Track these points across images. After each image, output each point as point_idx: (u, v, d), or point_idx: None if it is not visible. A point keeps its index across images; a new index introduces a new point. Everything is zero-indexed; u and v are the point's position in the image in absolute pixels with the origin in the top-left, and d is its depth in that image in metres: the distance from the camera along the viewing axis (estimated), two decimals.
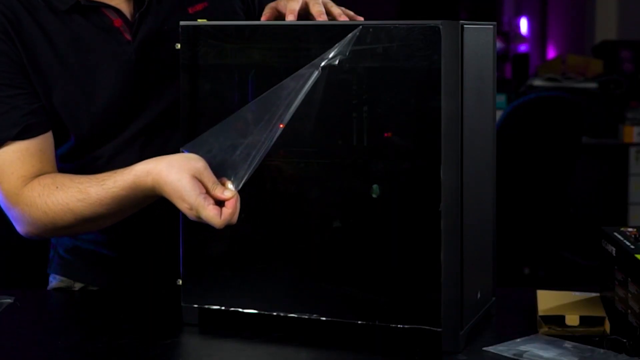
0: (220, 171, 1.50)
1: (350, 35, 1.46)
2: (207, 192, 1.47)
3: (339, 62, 1.48)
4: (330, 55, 1.47)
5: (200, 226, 1.52)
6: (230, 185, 1.49)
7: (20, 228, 1.68)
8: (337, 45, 1.47)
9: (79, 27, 1.71)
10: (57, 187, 1.62)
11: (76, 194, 1.60)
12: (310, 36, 1.50)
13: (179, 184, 1.48)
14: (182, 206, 1.48)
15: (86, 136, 1.74)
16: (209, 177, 1.48)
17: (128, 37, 1.73)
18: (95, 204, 1.59)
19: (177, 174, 1.48)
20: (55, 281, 1.88)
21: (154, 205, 1.79)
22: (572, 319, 1.53)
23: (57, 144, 1.74)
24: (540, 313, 1.56)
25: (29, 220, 1.65)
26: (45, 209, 1.63)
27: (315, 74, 1.47)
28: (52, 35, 1.69)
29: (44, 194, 1.63)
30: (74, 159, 1.75)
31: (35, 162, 1.67)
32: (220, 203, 1.48)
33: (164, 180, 1.50)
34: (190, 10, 1.77)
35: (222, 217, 1.47)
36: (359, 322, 1.49)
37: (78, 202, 1.60)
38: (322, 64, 1.47)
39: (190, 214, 1.48)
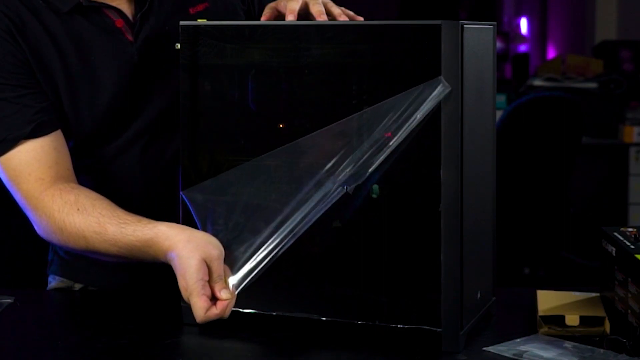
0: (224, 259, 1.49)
1: (361, 158, 1.45)
2: (209, 281, 1.46)
3: (337, 61, 1.48)
4: (348, 171, 1.45)
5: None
6: (231, 282, 1.48)
7: (37, 230, 1.68)
8: (354, 159, 1.45)
9: (80, 28, 1.71)
10: (78, 209, 1.60)
11: (94, 226, 1.58)
12: (310, 36, 1.51)
13: (187, 262, 1.47)
14: (181, 283, 1.47)
15: (88, 136, 1.74)
16: (217, 269, 1.47)
17: (130, 37, 1.73)
18: (109, 242, 1.58)
19: (190, 252, 1.47)
20: (55, 282, 1.88)
21: (153, 205, 1.79)
22: (572, 319, 1.53)
23: None
24: (540, 313, 1.56)
25: (45, 228, 1.65)
26: (61, 226, 1.62)
27: (338, 191, 1.46)
28: (55, 36, 1.69)
29: (64, 212, 1.61)
30: (76, 160, 1.75)
31: (52, 163, 1.66)
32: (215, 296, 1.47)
33: (176, 253, 1.49)
34: (191, 11, 1.77)
35: (207, 314, 1.45)
36: (359, 322, 1.49)
37: (94, 234, 1.59)
38: (346, 187, 1.45)
39: (184, 294, 1.47)
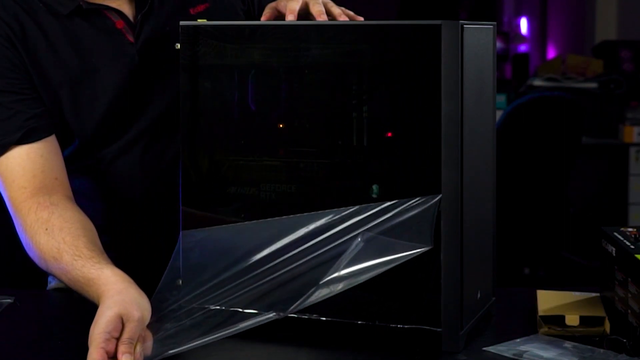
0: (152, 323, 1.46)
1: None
2: (118, 339, 1.39)
3: (337, 61, 1.48)
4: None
5: (200, 226, 1.53)
6: (139, 350, 1.40)
7: None
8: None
9: (81, 30, 1.70)
10: (46, 229, 1.59)
11: (54, 251, 1.57)
12: (310, 36, 1.51)
13: (103, 312, 1.41)
14: (91, 328, 1.41)
15: (90, 138, 1.74)
16: (130, 330, 1.39)
17: (130, 38, 1.72)
18: (61, 270, 1.56)
19: (112, 303, 1.43)
20: (55, 282, 1.88)
21: (154, 206, 1.79)
22: (572, 319, 1.53)
23: (62, 146, 1.74)
24: (540, 313, 1.56)
25: (20, 235, 1.65)
26: (28, 243, 1.61)
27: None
28: (54, 39, 1.69)
29: (34, 229, 1.60)
30: (77, 161, 1.75)
31: (37, 172, 1.65)
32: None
33: (102, 300, 1.45)
34: (191, 11, 1.77)
35: None
36: (359, 322, 1.49)
37: (52, 259, 1.57)
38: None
39: (88, 341, 1.40)
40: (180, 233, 1.56)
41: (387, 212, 1.44)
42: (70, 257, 1.54)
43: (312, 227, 1.47)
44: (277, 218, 1.50)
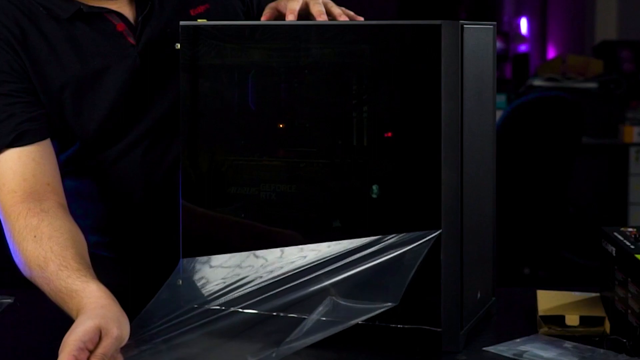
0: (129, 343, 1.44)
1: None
2: (92, 352, 1.37)
3: (337, 61, 1.48)
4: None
5: (200, 226, 1.52)
6: None
7: None
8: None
9: (82, 34, 1.70)
10: (34, 237, 1.56)
11: (40, 259, 1.54)
12: (310, 36, 1.51)
13: (82, 322, 1.39)
14: (65, 335, 1.38)
15: (91, 140, 1.73)
16: (105, 346, 1.37)
17: (132, 40, 1.72)
18: (46, 279, 1.53)
19: (93, 316, 1.40)
20: None
21: (155, 208, 1.79)
22: (572, 319, 1.53)
23: (63, 148, 1.73)
24: (540, 313, 1.56)
25: (8, 240, 1.63)
26: (16, 249, 1.59)
27: None
28: (55, 43, 1.69)
29: (22, 235, 1.58)
30: (78, 163, 1.75)
31: (28, 176, 1.63)
32: None
33: (83, 311, 1.43)
34: (192, 12, 1.77)
35: None
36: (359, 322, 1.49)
37: (37, 267, 1.55)
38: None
39: (60, 347, 1.37)
40: (181, 261, 1.56)
41: (385, 249, 1.45)
42: (56, 267, 1.52)
43: (308, 260, 1.48)
44: (274, 249, 1.51)
